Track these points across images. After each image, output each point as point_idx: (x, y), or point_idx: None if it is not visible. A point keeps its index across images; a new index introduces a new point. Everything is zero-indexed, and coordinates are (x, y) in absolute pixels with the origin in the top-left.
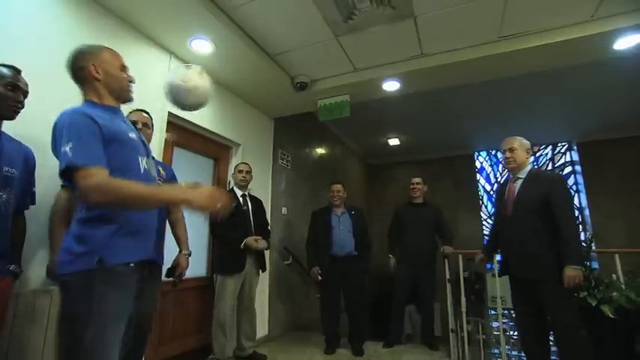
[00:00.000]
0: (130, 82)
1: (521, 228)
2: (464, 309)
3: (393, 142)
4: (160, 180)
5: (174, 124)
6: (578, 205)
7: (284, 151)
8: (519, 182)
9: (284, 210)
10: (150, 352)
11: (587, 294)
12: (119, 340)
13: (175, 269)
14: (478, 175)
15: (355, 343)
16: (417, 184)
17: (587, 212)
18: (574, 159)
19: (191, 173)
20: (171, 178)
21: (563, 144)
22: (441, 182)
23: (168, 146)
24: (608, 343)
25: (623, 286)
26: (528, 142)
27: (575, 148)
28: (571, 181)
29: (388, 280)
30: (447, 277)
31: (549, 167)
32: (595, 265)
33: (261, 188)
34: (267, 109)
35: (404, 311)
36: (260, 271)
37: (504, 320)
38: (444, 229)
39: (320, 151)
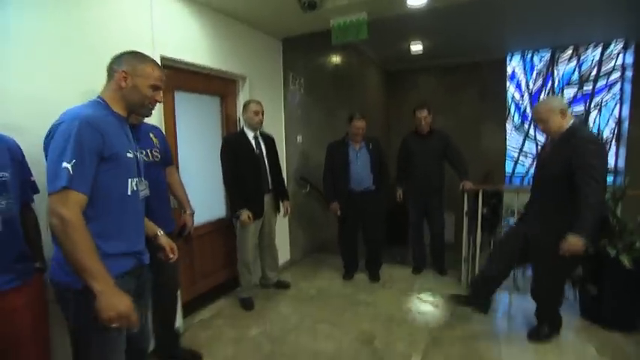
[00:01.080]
0: (156, 102)
1: (543, 191)
2: (479, 241)
3: (416, 48)
4: (155, 151)
5: (170, 67)
6: (617, 117)
7: (295, 74)
8: (551, 146)
9: (299, 139)
10: (184, 292)
11: (607, 242)
12: (123, 340)
13: (183, 229)
14: (508, 83)
15: (372, 269)
16: (424, 117)
17: (625, 125)
18: (627, 62)
19: (196, 116)
20: (164, 147)
21: (618, 42)
22: (466, 91)
23: (168, 92)
24: (614, 286)
25: None
26: (560, 102)
27: (632, 47)
28: (616, 88)
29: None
30: (465, 209)
31: (594, 73)
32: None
33: (274, 120)
34: (274, 28)
35: (422, 238)
36: (277, 212)
37: None
38: (454, 159)
39: (335, 66)
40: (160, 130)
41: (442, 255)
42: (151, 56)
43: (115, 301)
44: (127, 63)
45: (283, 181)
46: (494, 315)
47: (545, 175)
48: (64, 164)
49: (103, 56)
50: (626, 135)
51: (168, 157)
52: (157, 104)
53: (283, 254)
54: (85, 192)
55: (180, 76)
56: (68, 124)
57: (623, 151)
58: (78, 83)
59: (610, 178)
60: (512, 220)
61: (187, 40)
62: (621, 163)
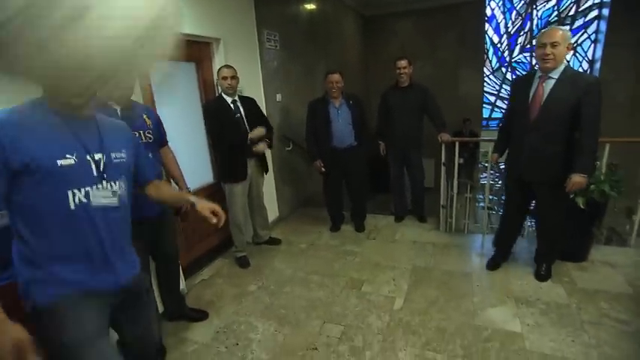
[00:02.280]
0: None
1: (545, 134)
2: (455, 190)
3: None
4: (148, 132)
5: None
6: (590, 58)
7: (270, 31)
8: (551, 83)
9: (278, 97)
10: (183, 256)
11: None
12: (105, 338)
13: (181, 208)
14: (487, 25)
15: (357, 220)
16: (404, 67)
17: (597, 66)
18: (604, 0)
19: (173, 84)
20: (157, 127)
21: None
22: (444, 36)
23: None
24: (570, 224)
25: (602, 177)
26: (570, 34)
27: None
28: (592, 28)
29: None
30: (443, 160)
31: (572, 12)
32: None
33: (252, 80)
34: None
35: (403, 188)
36: (264, 173)
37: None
38: (432, 112)
39: (310, 16)
40: (153, 111)
41: (422, 204)
42: None
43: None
44: None
45: (271, 129)
46: (468, 255)
47: (549, 115)
48: None
49: None
50: (598, 76)
51: (163, 138)
52: None
53: (272, 212)
54: None
55: None
56: None
57: None
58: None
59: None
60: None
61: None
62: None
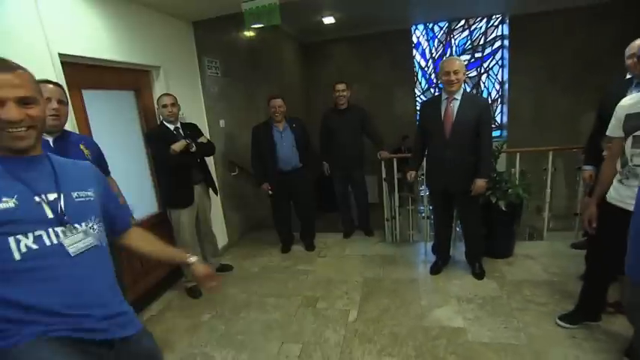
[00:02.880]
0: (4, 122)
1: (460, 147)
2: (397, 203)
3: (328, 20)
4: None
5: (72, 64)
6: (500, 80)
7: (211, 59)
8: (456, 104)
9: (222, 123)
10: (129, 292)
11: (490, 192)
12: None
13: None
14: (414, 51)
15: (307, 239)
16: (343, 90)
17: (506, 86)
18: (504, 32)
19: (112, 113)
20: (97, 157)
21: (497, 16)
22: (378, 59)
23: (75, 92)
24: (496, 226)
25: (517, 182)
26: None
27: (507, 21)
28: (499, 55)
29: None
30: (384, 176)
31: (482, 41)
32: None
33: (194, 107)
34: (182, 11)
35: (348, 205)
36: (212, 195)
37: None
38: (371, 132)
39: (250, 44)
40: (91, 139)
41: (367, 219)
42: (47, 57)
43: None
44: None
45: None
46: (414, 263)
47: (461, 129)
48: None
49: None
50: (507, 96)
51: (104, 167)
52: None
53: (221, 238)
54: None
55: (87, 74)
56: None
57: (505, 109)
58: None
59: (498, 132)
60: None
61: (87, 34)
62: (504, 119)
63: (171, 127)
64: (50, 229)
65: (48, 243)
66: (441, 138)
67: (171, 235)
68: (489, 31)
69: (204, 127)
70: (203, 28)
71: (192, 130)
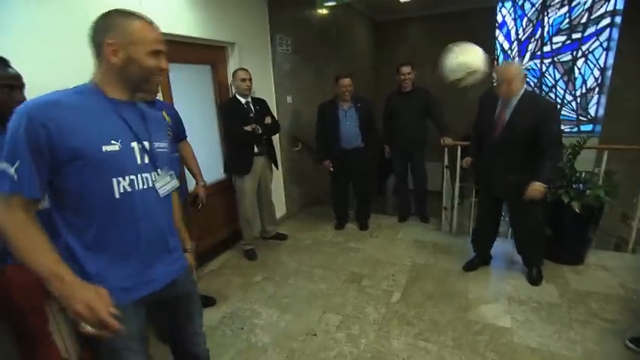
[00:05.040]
0: (161, 70)
1: (509, 154)
2: (456, 192)
3: None
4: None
5: None
6: (602, 65)
7: (283, 36)
8: (512, 106)
9: (289, 99)
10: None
11: (563, 191)
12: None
13: (196, 199)
14: (497, 32)
15: (361, 219)
16: (408, 74)
17: (608, 73)
18: (618, 7)
19: (190, 85)
20: (176, 123)
21: None
22: (455, 40)
23: None
24: (566, 228)
25: (600, 183)
26: (521, 67)
27: None
28: (604, 36)
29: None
30: (446, 164)
31: (584, 19)
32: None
33: (264, 83)
34: None
35: (406, 190)
36: (273, 167)
37: None
38: (435, 116)
39: (322, 22)
40: (172, 107)
41: (424, 204)
42: None
43: (78, 296)
44: (112, 29)
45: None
46: (468, 255)
47: (510, 136)
48: (6, 166)
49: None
50: (609, 84)
51: (181, 133)
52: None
53: (280, 209)
54: (31, 195)
55: (172, 49)
56: (14, 118)
57: (603, 100)
58: (78, 69)
59: (589, 127)
60: None
61: (176, 13)
62: (600, 112)
63: (243, 100)
64: (140, 175)
65: (130, 188)
66: (491, 139)
67: (234, 199)
68: (596, 7)
69: (272, 102)
70: (277, 6)
71: (261, 105)
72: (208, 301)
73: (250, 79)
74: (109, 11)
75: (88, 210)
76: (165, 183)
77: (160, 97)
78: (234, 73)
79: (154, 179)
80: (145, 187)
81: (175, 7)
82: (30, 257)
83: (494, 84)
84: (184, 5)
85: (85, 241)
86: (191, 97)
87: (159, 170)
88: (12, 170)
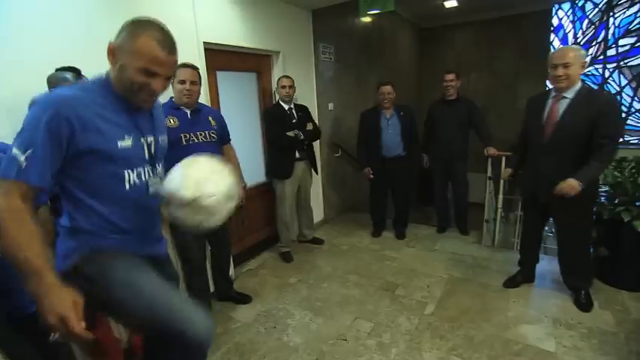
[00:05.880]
0: (152, 91)
1: (560, 156)
2: (500, 205)
3: (450, 3)
4: (212, 132)
5: (211, 50)
6: None
7: (326, 44)
8: (565, 102)
9: (330, 106)
10: (234, 246)
11: (624, 208)
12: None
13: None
14: (552, 36)
15: (399, 228)
16: (451, 80)
17: None
18: None
19: (236, 91)
20: (221, 127)
21: None
22: (504, 46)
23: (211, 73)
24: (628, 252)
25: None
26: (584, 52)
27: None
28: None
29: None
30: (489, 174)
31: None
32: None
33: (306, 90)
34: (305, 1)
35: (446, 200)
36: (313, 172)
37: None
38: (478, 126)
39: (365, 30)
40: (218, 113)
41: (464, 216)
42: (195, 43)
43: (54, 301)
44: (122, 33)
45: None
46: (510, 272)
47: (564, 134)
48: (17, 152)
49: None
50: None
51: (225, 136)
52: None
53: (318, 214)
54: (37, 184)
55: (221, 58)
56: (37, 107)
57: None
58: None
59: None
60: None
61: (225, 23)
62: None
63: (286, 107)
64: (145, 168)
65: (137, 181)
66: (539, 140)
67: (274, 202)
68: None
69: (314, 109)
70: (321, 15)
71: (303, 112)
72: (245, 299)
73: (291, 87)
74: (138, 17)
75: (98, 200)
76: (154, 180)
77: (207, 102)
78: (278, 80)
79: (152, 174)
80: (148, 178)
81: (225, 19)
82: (15, 247)
83: (549, 73)
84: (235, 15)
85: (91, 226)
86: (237, 103)
87: (154, 166)
88: (22, 158)
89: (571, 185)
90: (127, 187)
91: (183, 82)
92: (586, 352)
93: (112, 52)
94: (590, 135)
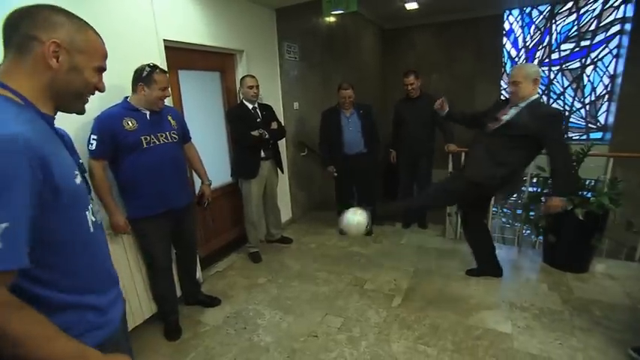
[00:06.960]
0: (96, 90)
1: (493, 145)
2: None
3: (411, 5)
4: (173, 133)
5: (172, 48)
6: (612, 73)
7: (290, 43)
8: (517, 109)
9: (296, 105)
10: (201, 248)
11: (567, 197)
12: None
13: (202, 197)
14: (505, 39)
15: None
16: (411, 84)
17: (619, 80)
18: (627, 15)
19: (199, 90)
20: (181, 126)
21: None
22: (462, 48)
23: (173, 72)
24: (569, 235)
25: (605, 190)
26: (537, 70)
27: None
28: (614, 43)
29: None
30: (449, 170)
31: (592, 27)
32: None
33: (271, 89)
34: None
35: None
36: (279, 172)
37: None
38: (440, 123)
39: (330, 29)
40: (177, 111)
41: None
42: (155, 42)
43: None
44: (59, 28)
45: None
46: (471, 262)
47: (504, 132)
48: None
49: (109, 47)
50: (619, 91)
51: (186, 135)
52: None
53: (285, 213)
54: (21, 265)
55: (183, 56)
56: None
57: (613, 108)
58: None
59: (599, 135)
60: None
61: (186, 21)
62: (610, 119)
63: (250, 106)
64: (90, 205)
65: (94, 218)
66: (483, 127)
67: (241, 203)
68: (605, 14)
69: (279, 109)
70: (285, 14)
71: (267, 111)
72: (213, 302)
73: (257, 86)
74: (52, 6)
75: (64, 251)
76: (97, 210)
77: (169, 102)
78: (242, 79)
79: (94, 208)
80: (97, 218)
81: (187, 16)
82: (41, 346)
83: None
84: (196, 13)
85: (59, 285)
86: (200, 103)
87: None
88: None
89: (555, 205)
90: (92, 227)
91: (164, 88)
92: (537, 331)
93: (56, 52)
94: (524, 140)
